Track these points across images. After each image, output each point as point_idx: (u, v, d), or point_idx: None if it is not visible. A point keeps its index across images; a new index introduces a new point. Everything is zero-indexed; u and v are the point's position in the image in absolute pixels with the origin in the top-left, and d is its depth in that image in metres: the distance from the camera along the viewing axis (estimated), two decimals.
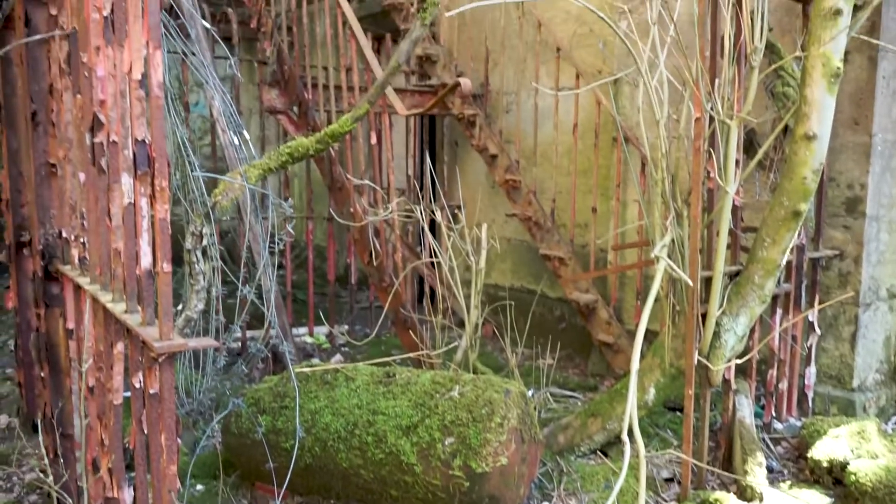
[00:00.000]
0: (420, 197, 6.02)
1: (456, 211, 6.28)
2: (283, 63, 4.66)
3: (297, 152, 2.28)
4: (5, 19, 2.90)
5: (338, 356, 5.19)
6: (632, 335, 4.26)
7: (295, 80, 4.52)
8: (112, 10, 1.86)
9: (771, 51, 2.93)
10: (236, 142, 2.29)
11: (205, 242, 2.14)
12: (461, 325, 6.07)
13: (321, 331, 5.64)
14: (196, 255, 2.15)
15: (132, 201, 1.80)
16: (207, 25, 2.82)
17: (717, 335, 2.71)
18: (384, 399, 2.74)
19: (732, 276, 2.80)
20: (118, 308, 1.90)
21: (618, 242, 4.19)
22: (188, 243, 2.14)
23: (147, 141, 1.67)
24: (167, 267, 1.65)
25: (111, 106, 1.93)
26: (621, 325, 4.33)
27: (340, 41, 4.01)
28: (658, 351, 2.86)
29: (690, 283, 2.47)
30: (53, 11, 2.56)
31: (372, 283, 4.20)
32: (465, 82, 2.85)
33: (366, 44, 3.64)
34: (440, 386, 2.69)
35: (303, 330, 5.52)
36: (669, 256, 2.77)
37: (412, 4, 5.72)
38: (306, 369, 2.95)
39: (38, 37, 2.54)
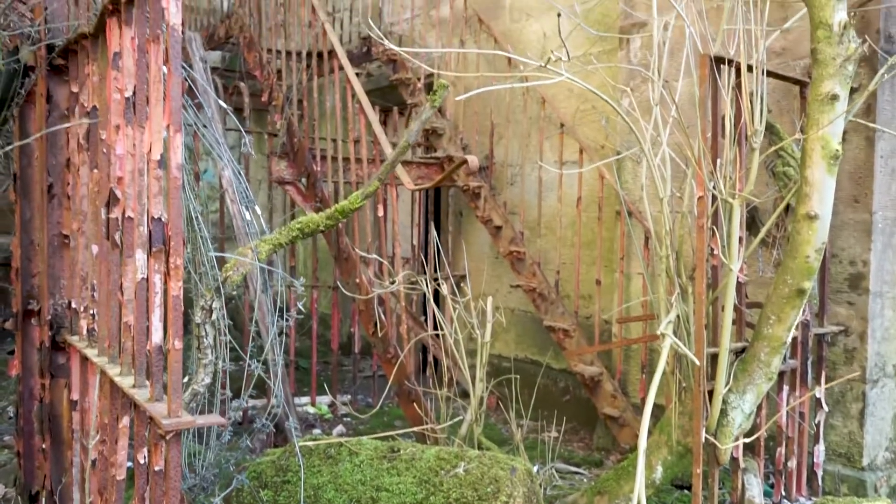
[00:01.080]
0: (425, 267, 6.06)
1: (460, 281, 6.32)
2: (293, 135, 4.76)
3: (308, 228, 2.32)
4: (27, 94, 2.99)
5: (340, 427, 5.13)
6: (637, 409, 4.22)
7: (304, 152, 4.62)
8: (134, 92, 1.92)
9: (770, 131, 3.00)
10: (247, 216, 2.33)
11: (214, 316, 2.16)
12: (465, 396, 6.03)
13: (323, 400, 5.59)
14: (205, 329, 2.16)
15: (146, 277, 1.82)
16: (223, 104, 2.90)
17: (724, 413, 2.69)
18: (388, 475, 2.71)
19: (738, 353, 2.80)
20: (126, 382, 1.90)
21: (622, 315, 4.19)
22: (197, 317, 2.16)
23: (164, 219, 1.70)
24: (178, 344, 1.66)
25: (128, 183, 1.98)
26: (626, 398, 4.29)
27: (349, 114, 4.12)
28: (665, 428, 2.84)
29: (697, 361, 2.47)
30: (75, 89, 2.64)
31: (376, 354, 4.19)
32: (473, 160, 2.92)
33: (374, 119, 3.73)
34: (445, 462, 2.66)
35: (305, 399, 5.48)
36: (675, 332, 2.78)
37: (419, 80, 5.88)
38: (309, 443, 2.92)
39: (56, 127, 2.62)
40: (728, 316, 2.60)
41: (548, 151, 5.01)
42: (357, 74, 7.06)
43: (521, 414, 5.61)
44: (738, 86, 2.63)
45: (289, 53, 4.84)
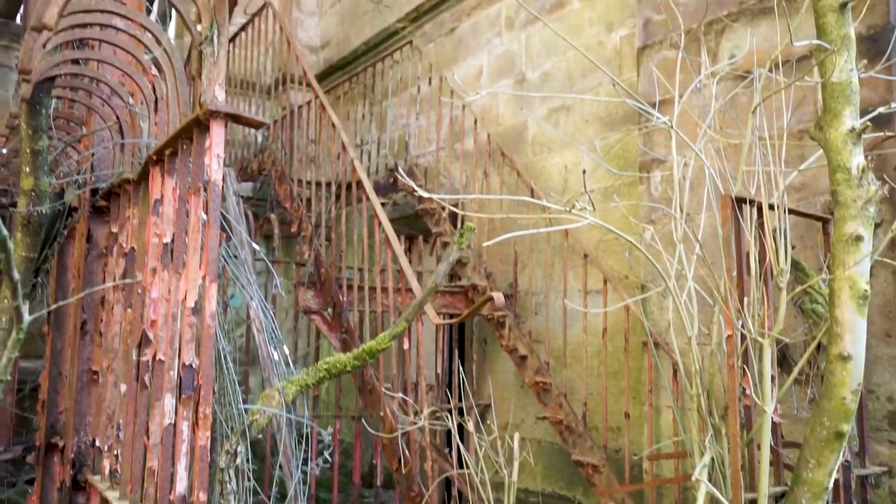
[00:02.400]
0: (449, 396, 5.98)
1: (485, 411, 6.21)
2: (321, 265, 4.86)
3: (335, 368, 2.32)
4: (68, 232, 3.11)
5: None
6: None
7: (331, 282, 4.69)
8: (172, 239, 1.99)
9: (796, 268, 3.01)
10: (275, 356, 2.35)
11: (239, 461, 2.13)
12: None
13: None
14: (229, 475, 2.13)
15: (173, 423, 1.82)
16: (256, 246, 2.98)
17: None
18: None
19: (778, 498, 2.68)
20: None
21: (653, 453, 4.07)
22: (222, 461, 2.13)
23: (195, 366, 1.72)
24: (203, 496, 1.64)
25: (161, 326, 2.01)
26: None
27: (376, 244, 4.21)
28: None
29: None
30: (115, 229, 2.74)
31: (398, 490, 4.07)
32: (499, 297, 2.94)
33: (400, 251, 3.81)
34: None
35: None
36: (709, 476, 2.68)
37: (443, 209, 6.03)
38: None
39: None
40: (765, 459, 2.51)
41: (572, 280, 5.04)
42: (383, 204, 7.27)
43: None
44: (761, 225, 2.66)
45: (318, 185, 5.01)
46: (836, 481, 2.99)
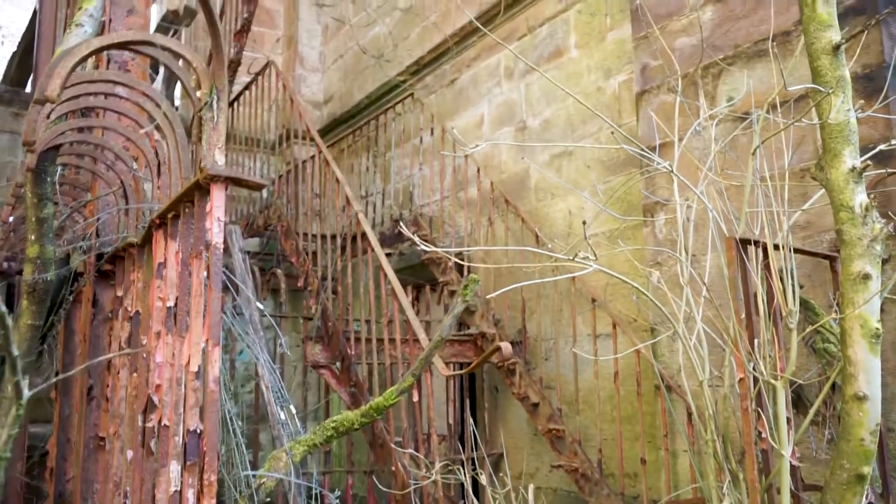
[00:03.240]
0: (461, 447, 5.89)
1: (499, 460, 6.11)
2: (328, 319, 4.84)
3: (343, 426, 2.30)
4: (74, 297, 3.12)
5: None
6: None
7: (338, 335, 4.67)
8: (175, 303, 1.99)
9: (806, 307, 2.98)
10: (282, 416, 2.33)
11: None
12: None
13: None
14: None
15: (178, 490, 1.79)
16: (259, 305, 2.97)
17: None
18: None
19: None
20: None
21: (672, 500, 3.98)
22: None
23: (199, 432, 1.70)
24: None
25: (166, 391, 2.00)
26: None
27: (382, 295, 4.20)
28: None
29: None
30: (120, 293, 2.75)
31: None
32: (506, 347, 2.91)
33: (406, 303, 3.80)
34: None
35: None
36: None
37: (449, 259, 6.04)
38: None
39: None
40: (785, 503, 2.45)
41: (581, 325, 5.00)
42: (389, 254, 7.28)
43: None
44: (767, 265, 2.65)
45: (324, 237, 5.03)
46: None
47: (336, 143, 8.65)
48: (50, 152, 2.47)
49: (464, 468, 3.51)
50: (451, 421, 5.92)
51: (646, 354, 4.27)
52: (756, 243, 2.68)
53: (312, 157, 5.60)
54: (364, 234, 4.65)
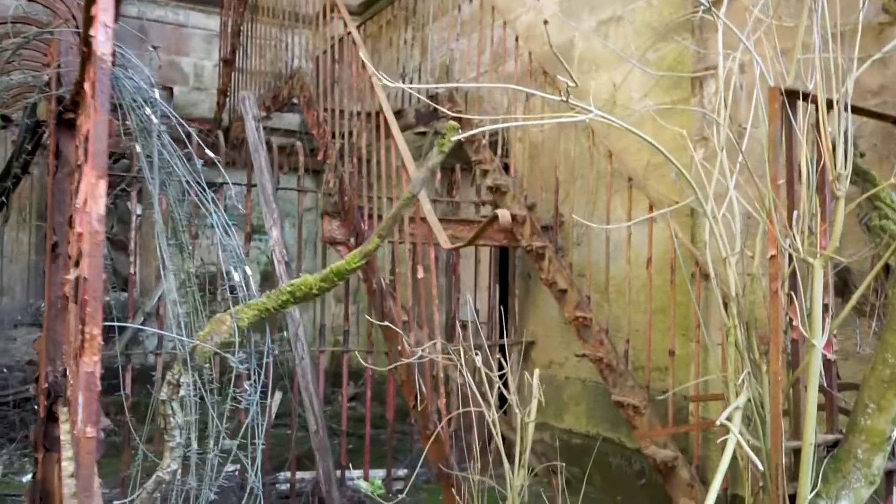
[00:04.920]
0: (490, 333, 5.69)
1: (529, 348, 5.90)
2: (344, 193, 4.57)
3: (300, 291, 2.03)
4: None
5: None
6: (719, 502, 3.64)
7: (354, 210, 4.40)
8: (86, 138, 1.71)
9: (864, 179, 2.52)
10: (236, 277, 2.07)
11: (182, 392, 1.88)
12: (531, 473, 5.52)
13: (378, 474, 5.23)
14: (171, 408, 1.88)
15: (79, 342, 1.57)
16: (263, 168, 2.67)
17: None
18: None
19: (830, 448, 2.28)
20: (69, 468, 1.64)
21: (698, 393, 3.68)
22: (163, 393, 1.89)
23: (84, 279, 1.45)
24: (90, 431, 1.38)
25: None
26: (705, 488, 3.72)
27: (393, 172, 3.89)
28: None
29: (759, 464, 1.98)
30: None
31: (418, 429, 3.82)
32: (504, 214, 2.59)
33: (414, 174, 3.47)
34: None
35: (357, 472, 5.13)
36: (749, 420, 2.30)
37: (483, 136, 5.64)
38: None
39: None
40: (812, 402, 2.10)
41: (618, 209, 4.60)
42: (423, 133, 6.90)
43: (591, 498, 5.06)
44: (818, 124, 2.19)
45: (342, 112, 4.69)
46: None
47: (376, 16, 8.15)
48: None
49: (494, 354, 3.25)
50: (478, 307, 5.70)
51: (683, 239, 3.87)
52: (806, 97, 2.22)
53: (341, 39, 5.13)
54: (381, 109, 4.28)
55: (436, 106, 6.01)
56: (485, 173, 5.56)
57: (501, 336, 6.09)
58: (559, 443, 5.55)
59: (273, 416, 7.05)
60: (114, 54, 1.45)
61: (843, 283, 2.62)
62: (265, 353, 2.00)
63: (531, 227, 5.00)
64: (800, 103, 2.22)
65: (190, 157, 2.05)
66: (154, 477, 1.89)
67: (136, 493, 1.88)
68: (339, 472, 4.77)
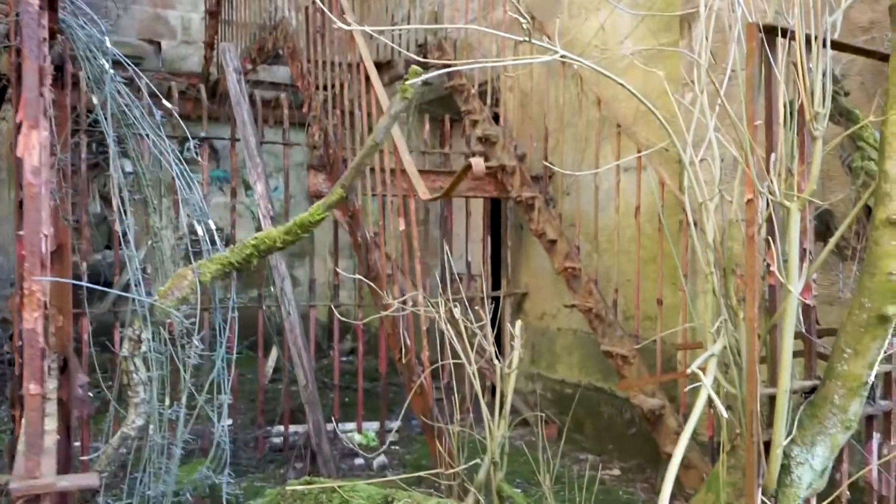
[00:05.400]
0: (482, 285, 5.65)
1: (522, 299, 5.88)
2: (329, 146, 4.50)
3: (264, 244, 1.99)
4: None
5: (382, 458, 4.78)
6: (705, 448, 3.66)
7: (338, 163, 4.33)
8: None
9: (847, 118, 2.44)
10: (200, 231, 2.02)
11: (144, 348, 1.85)
12: (525, 424, 5.56)
13: (371, 427, 5.26)
14: (133, 364, 1.86)
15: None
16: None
17: (786, 469, 2.15)
18: None
19: (807, 394, 2.25)
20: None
21: (686, 341, 3.65)
22: (124, 349, 1.86)
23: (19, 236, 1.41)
24: (34, 387, 1.35)
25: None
26: (693, 436, 3.73)
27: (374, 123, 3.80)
28: (713, 486, 2.32)
29: (723, 412, 1.95)
30: None
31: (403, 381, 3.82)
32: (478, 162, 2.52)
33: (399, 136, 3.39)
34: None
35: (351, 426, 5.17)
36: (726, 368, 2.28)
37: (473, 86, 5.53)
38: (299, 487, 2.58)
39: None
40: (786, 348, 2.07)
41: (608, 157, 4.51)
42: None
43: (582, 447, 5.10)
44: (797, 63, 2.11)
45: (325, 63, 4.58)
46: (888, 374, 2.52)
47: None
48: None
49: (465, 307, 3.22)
50: (469, 259, 5.66)
51: (671, 186, 3.81)
52: (785, 33, 2.13)
53: None
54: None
55: (412, 58, 5.88)
56: (474, 123, 5.47)
57: (496, 288, 6.08)
58: (552, 393, 5.57)
59: (269, 371, 7.11)
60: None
61: (825, 227, 2.56)
62: (230, 308, 1.96)
63: (521, 178, 4.93)
64: (779, 40, 2.13)
65: (150, 110, 1.98)
66: (119, 433, 1.87)
67: (101, 450, 1.87)
68: (332, 426, 4.81)
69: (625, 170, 4.42)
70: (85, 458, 3.10)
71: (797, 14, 2.01)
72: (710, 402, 2.05)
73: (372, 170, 3.78)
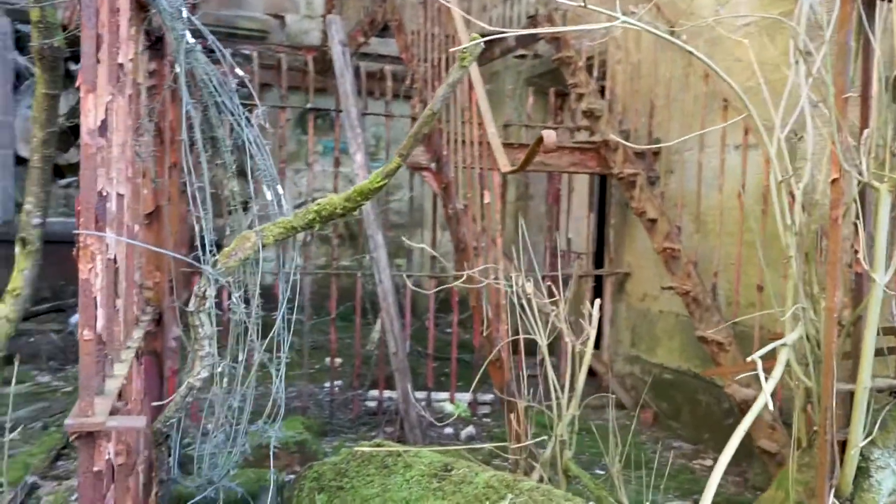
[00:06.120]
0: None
1: (624, 279, 5.72)
2: None
3: (326, 210, 2.04)
4: None
5: (470, 428, 4.83)
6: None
7: (435, 135, 4.36)
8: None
9: None
10: (269, 196, 2.10)
11: (208, 305, 1.96)
12: (621, 407, 5.43)
13: (464, 398, 5.32)
14: (199, 318, 1.97)
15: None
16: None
17: (864, 473, 2.00)
18: (433, 497, 2.37)
19: (893, 393, 2.07)
20: None
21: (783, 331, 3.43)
22: (191, 304, 1.98)
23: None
24: (88, 333, 1.46)
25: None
26: (788, 430, 3.52)
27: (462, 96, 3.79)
28: (783, 483, 2.19)
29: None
30: None
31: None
32: (549, 135, 2.45)
33: (482, 95, 3.37)
34: (493, 491, 2.26)
35: (444, 395, 5.25)
36: (805, 359, 2.14)
37: (580, 59, 5.38)
38: (367, 449, 2.66)
39: None
40: (869, 342, 1.91)
41: (713, 135, 4.28)
42: (523, 56, 6.69)
43: (678, 434, 4.93)
44: None
45: (427, 35, 4.60)
46: None
47: None
48: None
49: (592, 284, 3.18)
50: (570, 236, 5.57)
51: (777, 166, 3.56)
52: None
53: None
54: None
55: (543, 19, 5.77)
56: (580, 97, 5.33)
57: (599, 266, 5.95)
58: (651, 377, 5.41)
59: (376, 337, 7.33)
60: None
61: None
62: (291, 271, 2.04)
63: (624, 154, 4.77)
64: (879, 4, 1.94)
65: (225, 77, 2.07)
66: (185, 383, 2.00)
67: (171, 397, 2.00)
68: (426, 394, 4.92)
69: (735, 147, 4.18)
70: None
71: None
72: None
73: (464, 142, 3.78)
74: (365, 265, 4.75)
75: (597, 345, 6.14)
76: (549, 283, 2.90)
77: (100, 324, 1.59)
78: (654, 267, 5.29)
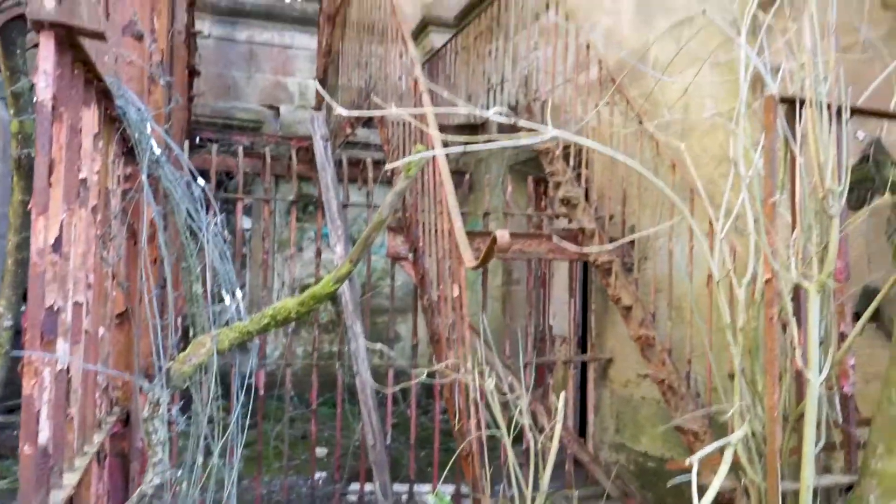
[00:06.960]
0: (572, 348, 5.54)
1: (607, 365, 5.73)
2: (406, 209, 4.65)
3: (280, 315, 2.10)
4: None
5: None
6: None
7: (413, 226, 4.46)
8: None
9: (893, 191, 2.28)
10: (227, 300, 2.17)
11: (161, 411, 2.00)
12: (608, 498, 5.34)
13: (448, 489, 5.25)
14: (153, 425, 2.01)
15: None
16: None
17: None
18: None
19: (845, 491, 2.08)
20: None
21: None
22: (145, 411, 2.01)
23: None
24: (28, 449, 1.50)
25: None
26: None
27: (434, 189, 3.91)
28: None
29: None
30: None
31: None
32: (503, 235, 2.53)
33: (450, 188, 3.48)
34: None
35: (426, 487, 5.18)
36: (757, 457, 2.16)
37: (557, 147, 5.55)
38: None
39: None
40: (808, 441, 1.93)
41: (682, 222, 4.38)
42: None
43: None
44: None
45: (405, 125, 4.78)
46: None
47: (467, 28, 8.21)
48: (17, 21, 2.41)
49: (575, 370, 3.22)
50: (551, 323, 5.60)
51: (742, 254, 3.64)
52: (804, 103, 2.05)
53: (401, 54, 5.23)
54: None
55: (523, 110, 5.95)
56: (558, 185, 5.47)
57: (584, 351, 5.96)
58: (635, 466, 5.35)
59: (377, 347, 7.25)
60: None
61: (868, 306, 2.38)
62: (249, 372, 2.08)
63: (600, 241, 4.87)
64: (801, 112, 2.05)
65: (189, 184, 2.17)
66: (138, 490, 2.01)
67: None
68: (408, 486, 4.86)
69: (704, 235, 4.28)
70: None
71: (807, 83, 1.93)
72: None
73: (436, 232, 3.88)
74: (345, 354, 4.77)
75: (582, 432, 6.10)
76: (528, 371, 2.93)
77: (45, 436, 1.62)
78: (635, 353, 5.30)
